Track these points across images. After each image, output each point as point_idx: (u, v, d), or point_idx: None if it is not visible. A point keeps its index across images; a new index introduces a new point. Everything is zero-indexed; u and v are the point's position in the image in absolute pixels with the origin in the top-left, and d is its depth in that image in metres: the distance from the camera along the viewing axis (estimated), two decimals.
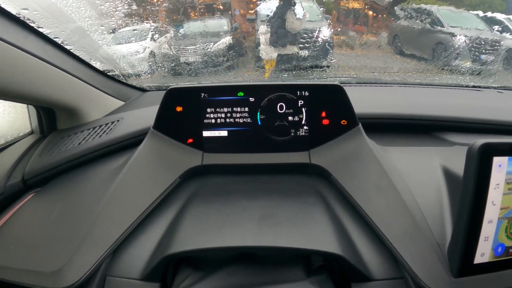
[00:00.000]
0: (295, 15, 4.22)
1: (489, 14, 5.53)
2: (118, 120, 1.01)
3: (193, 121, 0.85)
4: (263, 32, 4.43)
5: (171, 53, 3.80)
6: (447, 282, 0.64)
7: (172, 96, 0.84)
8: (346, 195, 0.77)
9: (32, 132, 1.06)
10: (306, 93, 0.83)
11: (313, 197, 0.81)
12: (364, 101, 1.08)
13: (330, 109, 0.84)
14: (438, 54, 5.41)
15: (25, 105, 1.05)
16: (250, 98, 0.83)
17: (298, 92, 0.83)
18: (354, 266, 0.67)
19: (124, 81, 1.28)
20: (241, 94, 0.83)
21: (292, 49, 4.08)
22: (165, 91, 0.85)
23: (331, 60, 4.44)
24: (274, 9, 4.29)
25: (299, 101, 0.84)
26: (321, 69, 3.04)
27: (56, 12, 1.12)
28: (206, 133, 0.85)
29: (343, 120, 0.84)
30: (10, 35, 0.76)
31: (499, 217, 0.62)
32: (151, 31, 3.73)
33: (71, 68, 0.96)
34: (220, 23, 5.06)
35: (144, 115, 1.00)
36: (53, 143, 0.98)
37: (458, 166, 0.64)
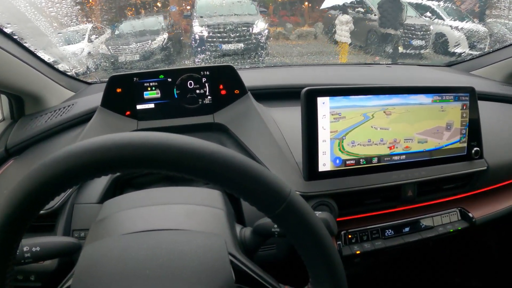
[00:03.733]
0: None
1: (419, 0, 6.20)
2: (73, 104, 1.37)
3: (129, 98, 1.23)
4: (198, 29, 5.13)
5: (109, 53, 4.11)
6: (302, 184, 1.01)
7: (114, 81, 1.22)
8: (237, 139, 1.19)
9: (3, 119, 1.42)
10: (207, 72, 1.25)
11: (215, 143, 1.23)
12: (261, 78, 1.55)
13: (226, 83, 1.26)
14: (371, 41, 6.05)
15: None
16: (168, 79, 1.23)
17: (202, 72, 1.24)
18: None
19: (73, 76, 1.65)
20: (161, 76, 1.23)
21: (396, 31, 5.78)
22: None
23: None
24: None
25: (203, 79, 1.25)
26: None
27: (13, 10, 1.46)
28: (139, 106, 1.24)
29: (236, 90, 1.27)
30: None
31: (331, 138, 1.00)
32: (88, 32, 3.97)
33: (34, 63, 1.33)
34: (156, 21, 5.39)
35: (92, 100, 1.36)
36: (25, 123, 1.34)
37: None
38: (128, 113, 1.24)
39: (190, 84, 1.25)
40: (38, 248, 0.69)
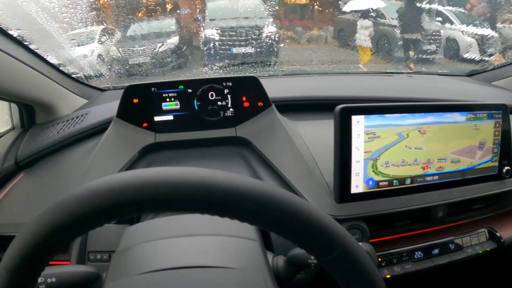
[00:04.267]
0: None
1: (430, 5, 6.13)
2: (86, 114, 1.31)
3: (146, 109, 1.17)
4: (209, 32, 5.10)
5: (120, 55, 4.06)
6: (333, 207, 0.94)
7: (130, 91, 1.16)
8: (261, 154, 1.12)
9: (13, 128, 1.36)
10: (230, 83, 1.18)
11: (237, 158, 1.16)
12: (282, 88, 1.46)
13: (249, 94, 1.20)
14: (382, 46, 6.01)
15: (6, 108, 1.35)
16: (188, 90, 1.17)
17: (224, 83, 1.18)
18: None
19: (86, 82, 1.59)
20: (181, 87, 1.17)
21: (417, 36, 5.80)
22: (122, 90, 1.19)
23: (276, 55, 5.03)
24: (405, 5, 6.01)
25: (225, 90, 1.19)
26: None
27: (22, 13, 1.39)
28: (157, 118, 1.17)
29: (260, 102, 1.20)
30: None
31: (364, 158, 0.94)
32: (98, 34, 3.90)
33: (45, 70, 1.27)
34: (167, 23, 5.35)
35: (107, 109, 1.30)
36: (35, 133, 1.27)
37: None
38: (145, 124, 1.18)
39: (212, 95, 1.19)
40: (53, 279, 0.64)
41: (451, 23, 5.94)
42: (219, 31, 5.12)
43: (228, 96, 1.19)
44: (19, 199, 1.06)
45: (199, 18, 6.01)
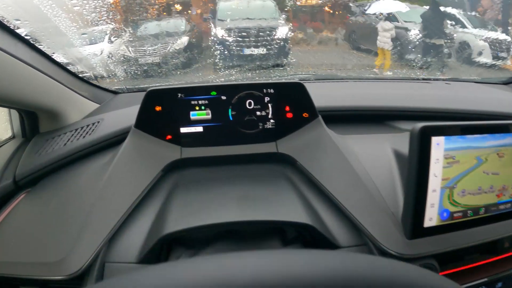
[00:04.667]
0: None
1: (442, 9, 6.03)
2: (98, 122, 1.15)
3: (171, 119, 1.00)
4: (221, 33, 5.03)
5: (129, 54, 3.92)
6: (402, 244, 0.80)
7: (152, 97, 0.98)
8: (310, 177, 0.94)
9: (13, 137, 1.18)
10: (271, 90, 1.00)
11: (282, 180, 0.98)
12: (323, 95, 1.26)
13: (293, 104, 1.02)
14: (394, 48, 5.94)
15: (6, 112, 1.17)
16: (222, 97, 0.99)
17: (264, 89, 1.00)
18: (323, 235, 0.82)
19: (96, 83, 1.42)
20: (213, 93, 0.99)
21: (440, 41, 5.77)
22: (137, 93, 1.01)
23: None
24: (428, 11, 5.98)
25: (266, 98, 1.01)
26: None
27: (30, 9, 1.25)
28: (183, 130, 1.00)
29: (305, 113, 1.03)
30: None
31: (441, 187, 0.78)
32: (108, 33, 3.79)
33: (50, 70, 1.10)
34: (177, 23, 5.24)
35: (122, 116, 1.15)
36: (39, 145, 1.10)
37: (407, 148, 0.78)
38: (169, 137, 1.01)
39: (250, 104, 1.01)
40: None
41: (464, 26, 5.88)
42: (234, 32, 5.01)
43: (269, 105, 1.02)
44: (19, 228, 0.89)
45: (209, 18, 5.90)
